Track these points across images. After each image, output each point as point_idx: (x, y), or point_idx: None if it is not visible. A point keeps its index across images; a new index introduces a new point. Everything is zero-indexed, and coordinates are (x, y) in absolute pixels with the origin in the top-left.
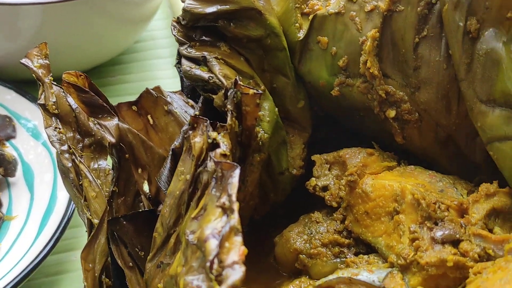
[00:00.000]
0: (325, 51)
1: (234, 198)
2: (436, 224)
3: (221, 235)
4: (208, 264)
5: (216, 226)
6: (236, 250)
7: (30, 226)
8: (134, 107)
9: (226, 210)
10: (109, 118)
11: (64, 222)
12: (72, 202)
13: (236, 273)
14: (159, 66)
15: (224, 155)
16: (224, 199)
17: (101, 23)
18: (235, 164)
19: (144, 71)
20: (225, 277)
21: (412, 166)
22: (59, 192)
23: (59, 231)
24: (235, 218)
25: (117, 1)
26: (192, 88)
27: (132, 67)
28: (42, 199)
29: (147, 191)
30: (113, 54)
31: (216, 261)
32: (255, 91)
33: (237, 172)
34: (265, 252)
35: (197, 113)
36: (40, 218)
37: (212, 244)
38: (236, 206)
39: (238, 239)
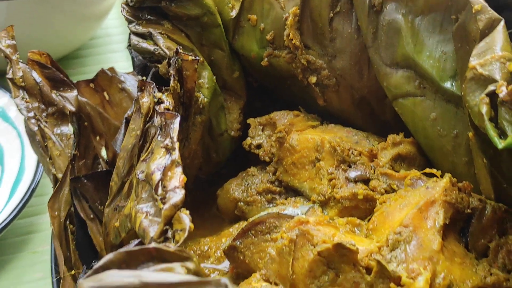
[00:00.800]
0: (255, 28)
1: (175, 139)
2: (350, 166)
3: (164, 167)
4: (153, 190)
5: (161, 162)
6: (177, 177)
7: (1, 193)
8: (91, 85)
9: (169, 150)
10: (69, 90)
11: (31, 190)
12: (38, 172)
13: (177, 195)
14: (114, 59)
15: (167, 109)
16: (167, 141)
17: (60, 20)
18: (176, 113)
19: (101, 64)
20: (168, 198)
21: (333, 125)
22: (27, 164)
23: (26, 197)
24: (176, 154)
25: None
26: (143, 67)
27: (89, 60)
28: (11, 170)
29: (105, 156)
30: (72, 48)
31: (160, 186)
32: (193, 57)
33: (177, 119)
34: (210, 204)
35: (144, 78)
36: (10, 186)
37: (157, 175)
38: (177, 145)
39: (179, 169)
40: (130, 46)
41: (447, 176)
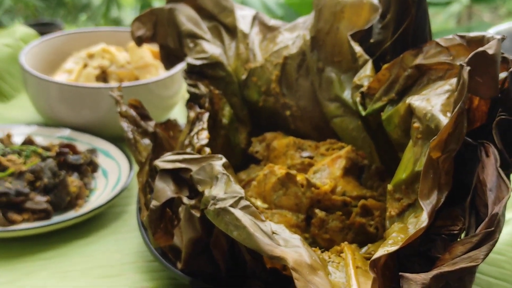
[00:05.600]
0: (255, 84)
1: (205, 120)
2: (303, 150)
3: (197, 130)
4: (192, 140)
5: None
6: (204, 134)
7: (106, 192)
8: (163, 125)
9: (201, 125)
10: (150, 121)
11: (121, 190)
12: (127, 183)
13: (204, 141)
14: None
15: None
16: (200, 123)
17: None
18: (206, 111)
19: None
20: (199, 142)
21: (299, 139)
22: (121, 180)
23: (118, 193)
24: (204, 123)
25: (155, 93)
26: None
27: None
28: (112, 181)
29: None
30: None
31: (195, 137)
32: (219, 92)
33: (207, 114)
34: None
35: (191, 103)
36: (111, 188)
37: (194, 134)
38: (206, 124)
39: (205, 132)
40: (187, 105)
41: (350, 146)
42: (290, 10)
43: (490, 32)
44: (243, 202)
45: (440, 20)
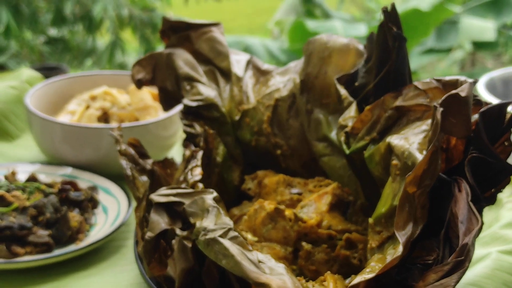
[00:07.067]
0: (248, 124)
1: (199, 157)
2: (292, 187)
3: (191, 166)
4: (186, 177)
5: (190, 168)
6: (198, 171)
7: (105, 227)
8: (160, 164)
9: (195, 162)
10: (148, 159)
11: (119, 225)
12: (125, 219)
13: (197, 177)
14: None
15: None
16: (194, 160)
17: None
18: (201, 150)
19: None
20: (193, 178)
21: (288, 176)
22: (120, 215)
23: (117, 228)
24: (198, 161)
25: (154, 133)
26: None
27: None
28: (111, 217)
29: None
30: None
31: (189, 174)
32: (213, 132)
33: (201, 152)
34: None
35: (187, 142)
36: (110, 224)
37: (188, 170)
38: (200, 161)
39: (199, 168)
40: (183, 141)
41: (336, 183)
42: (293, 56)
43: (483, 77)
44: (232, 233)
45: (444, 66)
